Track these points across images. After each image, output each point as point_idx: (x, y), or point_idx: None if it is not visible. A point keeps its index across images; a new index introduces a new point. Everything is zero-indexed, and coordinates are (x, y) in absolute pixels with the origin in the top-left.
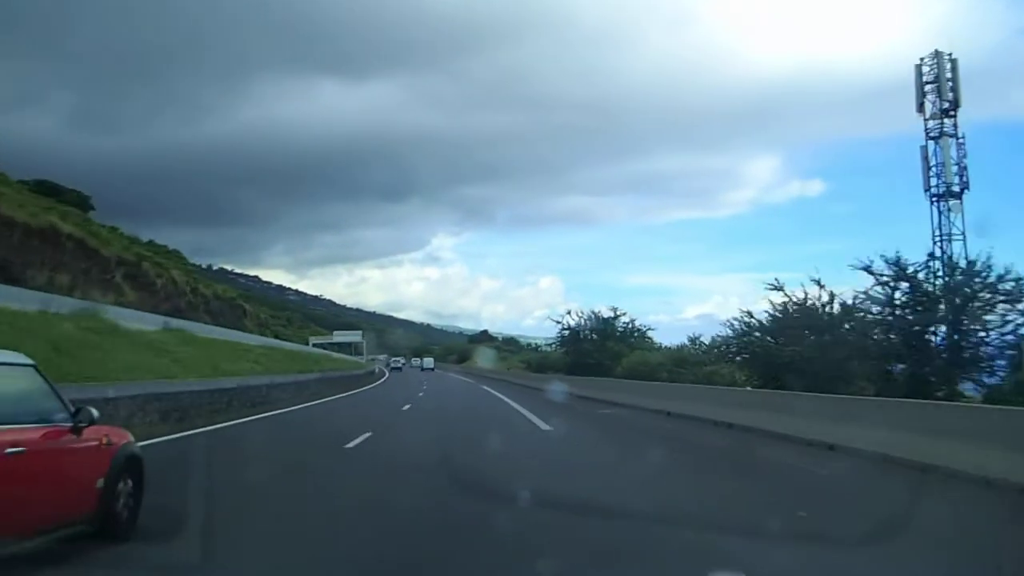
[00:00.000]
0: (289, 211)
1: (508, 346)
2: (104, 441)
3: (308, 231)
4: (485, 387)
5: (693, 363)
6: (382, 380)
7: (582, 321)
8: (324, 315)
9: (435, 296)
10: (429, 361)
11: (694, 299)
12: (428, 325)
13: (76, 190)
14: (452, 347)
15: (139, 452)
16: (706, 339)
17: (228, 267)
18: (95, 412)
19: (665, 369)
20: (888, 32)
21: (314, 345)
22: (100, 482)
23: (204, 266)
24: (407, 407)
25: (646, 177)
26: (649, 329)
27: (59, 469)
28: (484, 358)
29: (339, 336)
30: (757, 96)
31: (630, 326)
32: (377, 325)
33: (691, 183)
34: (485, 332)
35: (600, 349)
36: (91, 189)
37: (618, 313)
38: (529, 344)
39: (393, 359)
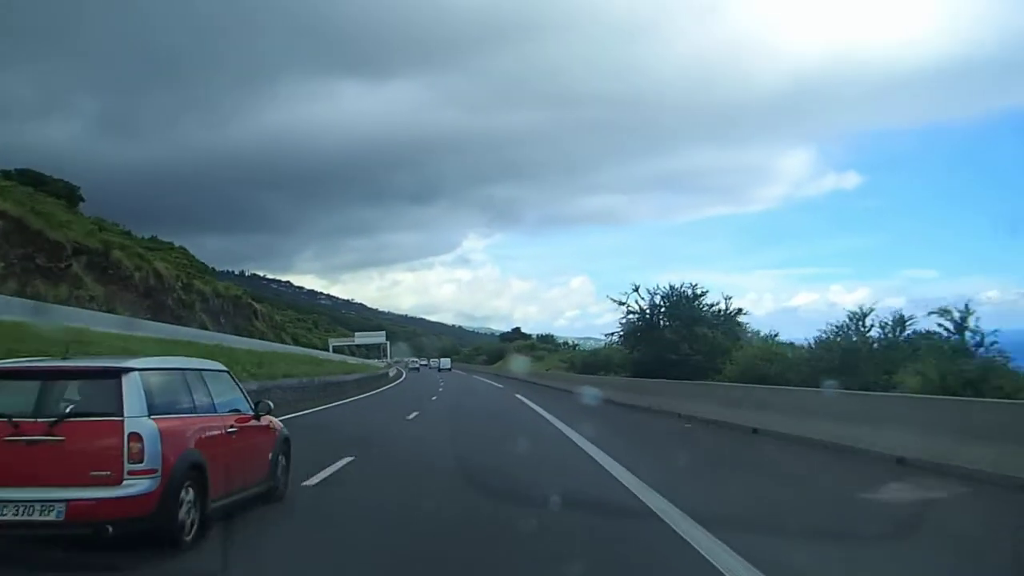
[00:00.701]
0: (317, 216)
1: (544, 344)
2: (271, 426)
3: (337, 236)
4: (524, 398)
5: (928, 352)
6: (391, 385)
7: (657, 300)
8: (355, 319)
9: (467, 298)
10: (446, 362)
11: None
12: (460, 327)
13: (62, 180)
14: (482, 347)
15: (289, 435)
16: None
17: (260, 273)
18: (271, 403)
19: (816, 368)
20: (926, 18)
21: (334, 347)
22: (270, 456)
23: (236, 272)
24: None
25: (676, 174)
26: (740, 312)
27: (252, 445)
28: (517, 364)
29: (361, 338)
30: (790, 88)
31: (722, 308)
32: (408, 328)
33: (722, 179)
34: (517, 330)
35: (688, 339)
36: (117, 198)
37: (700, 291)
38: (566, 343)
39: (412, 360)
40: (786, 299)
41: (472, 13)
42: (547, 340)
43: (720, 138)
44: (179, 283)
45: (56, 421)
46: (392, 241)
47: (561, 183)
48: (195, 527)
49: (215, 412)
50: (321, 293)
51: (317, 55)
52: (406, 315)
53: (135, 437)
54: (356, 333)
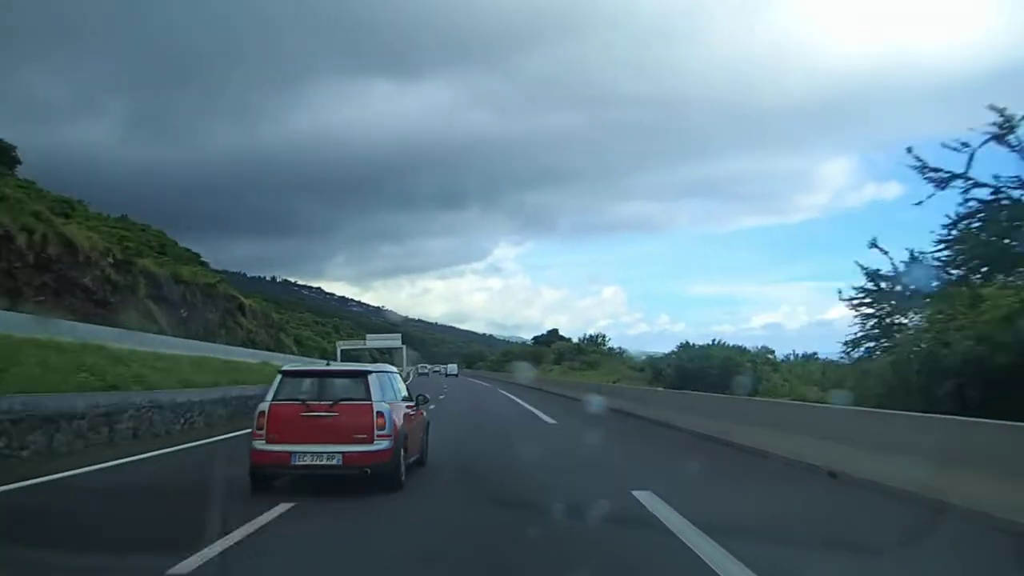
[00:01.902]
0: (347, 221)
1: (594, 347)
2: (422, 413)
3: (368, 241)
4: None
5: None
6: None
7: None
8: (383, 325)
9: (498, 307)
10: (452, 367)
11: (761, 308)
12: (491, 335)
13: None
14: (512, 351)
15: (429, 421)
16: None
17: (291, 279)
18: (427, 397)
19: None
20: (982, 20)
21: (343, 350)
22: (422, 434)
23: (268, 278)
24: None
25: (712, 180)
26: None
27: (418, 426)
28: (522, 372)
29: (374, 341)
30: (833, 91)
31: None
32: (437, 335)
33: (760, 186)
34: (554, 332)
35: None
36: (143, 201)
37: None
38: (612, 350)
39: (420, 367)
40: (820, 312)
41: (506, 11)
42: (595, 343)
43: (759, 144)
44: (108, 258)
45: (333, 403)
46: (423, 248)
47: (595, 189)
48: (404, 475)
49: (400, 401)
50: (353, 300)
51: (346, 54)
52: (435, 323)
53: (380, 415)
54: (368, 335)
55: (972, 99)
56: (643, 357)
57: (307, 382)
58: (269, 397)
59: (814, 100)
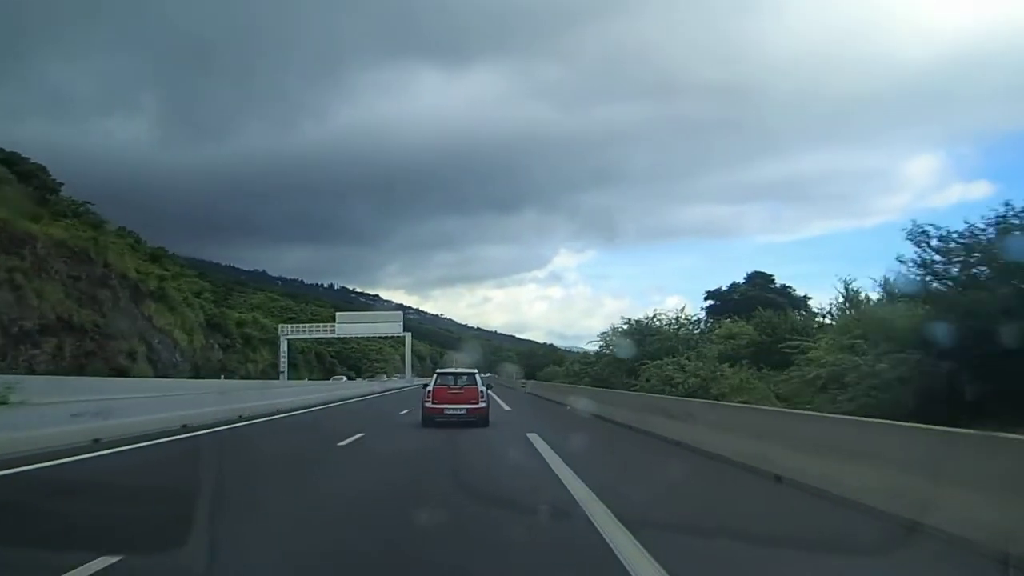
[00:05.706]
0: (398, 226)
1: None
2: (487, 395)
3: (422, 248)
4: None
5: None
6: None
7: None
8: (438, 332)
9: (558, 316)
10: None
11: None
12: (551, 345)
13: None
14: (645, 327)
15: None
16: None
17: (349, 287)
18: (492, 385)
19: None
20: None
21: (289, 340)
22: (487, 411)
23: (324, 284)
24: None
25: (784, 181)
26: None
27: (488, 401)
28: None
29: (348, 324)
30: (922, 77)
31: None
32: (493, 342)
33: (836, 187)
34: (765, 275)
35: None
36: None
37: None
38: None
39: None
40: None
41: None
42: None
43: (836, 138)
44: None
45: (461, 386)
46: (480, 255)
47: (657, 191)
48: (488, 424)
49: (484, 387)
50: (410, 308)
51: (388, 38)
52: (495, 331)
53: (481, 392)
54: (338, 314)
55: None
56: None
57: (450, 376)
58: (432, 383)
59: (899, 87)
